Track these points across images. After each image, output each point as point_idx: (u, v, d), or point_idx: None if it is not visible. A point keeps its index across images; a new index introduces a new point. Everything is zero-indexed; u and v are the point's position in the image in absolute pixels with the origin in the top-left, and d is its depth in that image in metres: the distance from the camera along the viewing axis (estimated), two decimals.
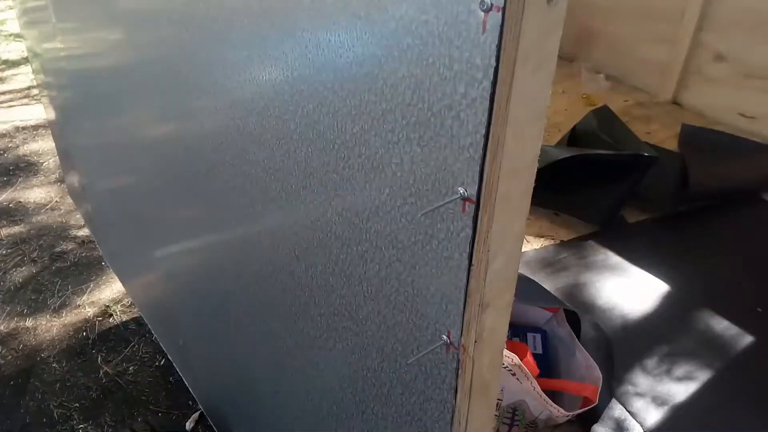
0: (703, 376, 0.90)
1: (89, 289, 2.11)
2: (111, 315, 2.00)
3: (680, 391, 0.88)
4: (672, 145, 1.51)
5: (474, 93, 0.35)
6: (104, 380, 1.77)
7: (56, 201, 2.60)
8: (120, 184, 1.39)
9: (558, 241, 1.19)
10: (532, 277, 1.03)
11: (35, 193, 2.67)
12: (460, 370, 0.45)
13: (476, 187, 0.37)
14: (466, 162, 0.37)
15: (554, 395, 0.83)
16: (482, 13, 0.33)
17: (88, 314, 2.00)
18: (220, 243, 0.93)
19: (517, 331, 0.91)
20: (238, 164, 0.77)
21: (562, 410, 0.77)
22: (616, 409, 0.85)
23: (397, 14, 0.39)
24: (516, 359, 0.73)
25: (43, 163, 2.91)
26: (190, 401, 1.78)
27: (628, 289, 1.07)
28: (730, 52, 1.56)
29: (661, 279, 1.09)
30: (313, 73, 0.52)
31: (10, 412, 1.68)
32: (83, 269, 2.20)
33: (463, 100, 0.36)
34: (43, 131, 3.19)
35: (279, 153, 0.64)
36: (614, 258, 1.15)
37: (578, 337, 0.87)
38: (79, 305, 2.04)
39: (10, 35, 4.77)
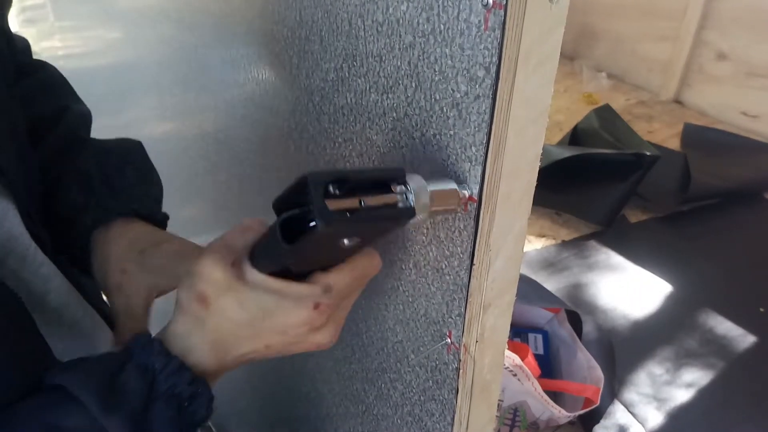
0: (705, 376, 0.90)
1: None
2: None
3: (682, 391, 0.87)
4: (674, 144, 1.51)
5: (476, 91, 0.35)
6: None
7: None
8: None
9: (559, 241, 1.18)
10: (533, 277, 1.02)
11: None
12: (461, 370, 0.45)
13: (478, 185, 0.37)
14: (469, 160, 0.37)
15: (555, 396, 0.83)
16: (484, 10, 0.32)
17: None
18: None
19: (519, 332, 0.91)
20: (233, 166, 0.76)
21: (563, 411, 0.76)
22: (618, 410, 0.85)
23: (399, 12, 0.39)
24: (517, 360, 0.73)
25: None
26: None
27: (630, 289, 1.07)
28: (732, 50, 1.56)
29: (663, 279, 1.09)
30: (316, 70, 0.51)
31: None
32: None
33: (465, 98, 0.36)
34: None
35: (276, 149, 0.64)
36: (616, 258, 1.14)
37: (580, 337, 0.86)
38: None
39: None
